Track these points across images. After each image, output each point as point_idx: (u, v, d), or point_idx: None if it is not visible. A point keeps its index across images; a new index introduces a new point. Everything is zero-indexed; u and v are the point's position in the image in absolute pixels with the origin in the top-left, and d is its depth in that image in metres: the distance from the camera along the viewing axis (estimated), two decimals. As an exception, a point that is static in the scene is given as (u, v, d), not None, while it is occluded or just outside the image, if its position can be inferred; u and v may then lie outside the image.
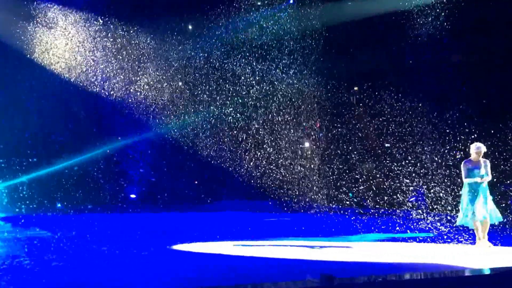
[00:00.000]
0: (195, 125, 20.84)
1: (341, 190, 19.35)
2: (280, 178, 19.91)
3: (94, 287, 6.66)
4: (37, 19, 19.14)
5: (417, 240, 11.97)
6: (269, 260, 9.20)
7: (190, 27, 21.03)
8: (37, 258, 8.83)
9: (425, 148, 17.86)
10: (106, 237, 12.19)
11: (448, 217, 15.06)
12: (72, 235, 12.37)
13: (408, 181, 17.76)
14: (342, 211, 18.59)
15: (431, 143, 17.73)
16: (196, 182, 22.03)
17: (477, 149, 10.34)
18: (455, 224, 11.07)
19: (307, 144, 20.84)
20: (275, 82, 20.14)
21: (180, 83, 20.71)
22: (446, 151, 17.03)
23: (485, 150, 10.52)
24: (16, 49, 19.07)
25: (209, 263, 8.80)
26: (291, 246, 11.01)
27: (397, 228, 14.32)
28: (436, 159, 17.32)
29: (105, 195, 21.14)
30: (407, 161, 17.91)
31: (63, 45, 19.62)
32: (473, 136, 15.11)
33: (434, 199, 16.82)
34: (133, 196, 21.92)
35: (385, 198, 18.41)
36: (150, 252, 9.85)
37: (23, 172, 19.24)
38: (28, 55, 19.22)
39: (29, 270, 7.65)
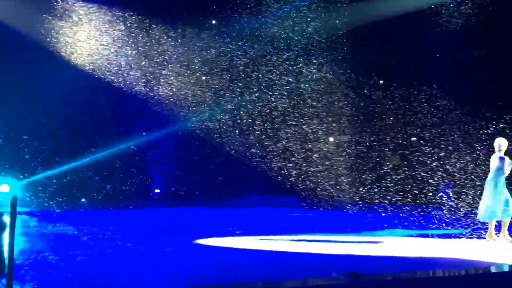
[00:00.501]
0: (219, 120, 20.75)
1: (367, 185, 19.12)
2: (305, 173, 19.73)
3: (118, 282, 6.60)
4: (61, 14, 19.22)
5: (445, 236, 11.75)
6: (295, 256, 9.08)
7: (214, 21, 20.92)
8: (62, 253, 8.83)
9: (453, 144, 17.57)
10: (131, 233, 12.20)
11: (475, 212, 14.78)
12: (96, 230, 12.40)
13: (435, 176, 17.48)
14: (368, 207, 18.37)
15: (458, 138, 17.45)
16: (220, 178, 21.98)
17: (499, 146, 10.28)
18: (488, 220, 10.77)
19: (333, 139, 20.62)
20: (301, 77, 19.94)
21: (204, 78, 20.63)
22: (473, 146, 16.75)
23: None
24: (40, 44, 19.18)
25: (233, 258, 8.70)
26: (317, 242, 10.86)
27: (425, 223, 14.08)
28: (464, 154, 17.03)
29: (129, 190, 21.22)
30: (434, 156, 17.62)
31: (86, 39, 19.69)
32: (500, 131, 14.80)
33: (461, 194, 16.53)
34: (157, 191, 22.00)
35: (412, 193, 18.15)
36: (175, 247, 9.81)
37: (48, 167, 19.41)
38: (52, 50, 19.31)
39: (54, 265, 7.64)
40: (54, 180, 19.39)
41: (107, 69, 19.86)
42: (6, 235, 3.43)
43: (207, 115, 20.68)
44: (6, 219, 3.37)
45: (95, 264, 7.93)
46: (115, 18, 19.60)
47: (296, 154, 20.06)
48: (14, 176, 18.47)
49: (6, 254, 3.46)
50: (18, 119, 19.67)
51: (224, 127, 20.79)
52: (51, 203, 18.63)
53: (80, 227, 12.99)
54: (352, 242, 10.83)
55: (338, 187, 19.54)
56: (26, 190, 18.76)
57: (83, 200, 20.31)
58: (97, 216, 16.51)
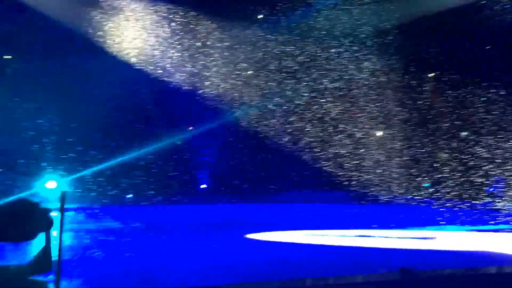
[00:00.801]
0: (267, 113, 20.59)
1: (418, 180, 18.66)
2: (356, 168, 19.39)
3: (166, 278, 6.57)
4: (106, 7, 19.45)
5: (497, 230, 11.36)
6: (345, 251, 8.91)
7: (260, 16, 20.72)
8: (109, 249, 8.90)
9: (504, 137, 17.01)
10: (178, 228, 12.25)
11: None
12: (143, 226, 12.51)
13: (487, 171, 16.95)
14: (419, 202, 17.92)
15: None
16: (268, 173, 21.81)
17: None
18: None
19: (383, 133, 20.15)
20: (350, 70, 19.58)
21: (250, 72, 20.51)
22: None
23: None
24: (87, 37, 19.45)
25: (283, 254, 8.61)
26: (367, 237, 10.63)
27: (477, 218, 13.64)
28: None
29: (176, 186, 21.35)
30: (486, 150, 17.08)
31: (133, 35, 19.86)
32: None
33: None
34: (203, 186, 22.06)
35: (464, 188, 17.61)
36: (225, 242, 9.79)
37: (94, 163, 19.74)
38: (99, 44, 19.57)
39: (101, 261, 7.69)
40: (100, 176, 19.71)
41: (154, 63, 20.01)
42: (54, 231, 3.38)
43: (255, 109, 20.56)
44: (54, 215, 3.33)
45: (143, 260, 7.93)
46: (161, 13, 19.71)
47: (346, 148, 19.72)
48: (61, 173, 18.93)
49: (53, 251, 3.41)
50: (64, 115, 20.09)
51: (272, 121, 20.64)
52: (98, 198, 18.94)
53: (126, 223, 13.13)
54: (403, 237, 10.58)
55: (389, 182, 19.13)
56: (73, 186, 19.15)
57: (129, 196, 20.57)
58: (144, 212, 16.69)
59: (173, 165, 21.49)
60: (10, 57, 21.18)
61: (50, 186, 16.13)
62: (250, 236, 10.60)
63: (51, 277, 3.34)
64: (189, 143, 21.68)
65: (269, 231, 11.35)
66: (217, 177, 22.10)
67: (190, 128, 21.44)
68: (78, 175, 18.99)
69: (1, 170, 18.69)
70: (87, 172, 19.21)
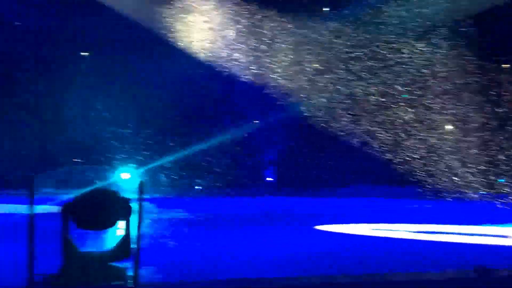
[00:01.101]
0: (332, 107, 20.35)
1: (492, 176, 17.87)
2: (425, 163, 18.81)
3: (236, 268, 6.68)
4: (177, 7, 19.85)
5: None
6: (415, 247, 8.70)
7: (325, 8, 20.50)
8: (181, 238, 9.13)
9: None
10: (247, 219, 12.38)
11: None
12: (212, 217, 12.74)
13: None
14: (494, 197, 17.16)
15: None
16: (334, 167, 21.59)
17: None
18: None
19: (455, 128, 19.42)
20: (419, 62, 18.98)
21: (316, 64, 20.34)
22: None
23: None
24: (158, 36, 19.93)
25: (350, 247, 8.53)
26: (439, 233, 10.33)
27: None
28: None
29: (242, 178, 21.56)
30: None
31: (203, 30, 20.16)
32: None
33: None
34: (270, 179, 22.16)
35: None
36: (295, 233, 9.83)
37: (166, 156, 20.28)
38: (170, 43, 20.01)
39: (173, 250, 7.93)
40: (171, 168, 20.25)
41: (222, 60, 20.24)
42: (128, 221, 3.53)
43: (322, 104, 20.36)
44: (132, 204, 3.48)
45: (213, 249, 8.11)
46: (229, 11, 19.90)
47: (415, 143, 19.17)
48: (134, 165, 19.63)
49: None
50: (137, 110, 20.77)
51: (340, 117, 20.37)
52: (169, 189, 19.48)
53: (196, 213, 13.41)
54: (477, 234, 10.16)
55: (461, 177, 18.42)
56: (145, 177, 19.77)
57: (197, 187, 21.00)
58: (213, 203, 16.97)
59: (240, 158, 21.73)
60: (86, 54, 22.16)
61: (124, 177, 16.80)
62: (320, 227, 10.60)
63: (124, 264, 3.50)
64: (256, 135, 21.81)
65: (338, 223, 11.29)
66: (283, 170, 22.13)
67: (256, 121, 21.55)
68: (149, 167, 19.61)
69: (81, 161, 19.69)
70: (159, 164, 19.79)
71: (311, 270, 6.48)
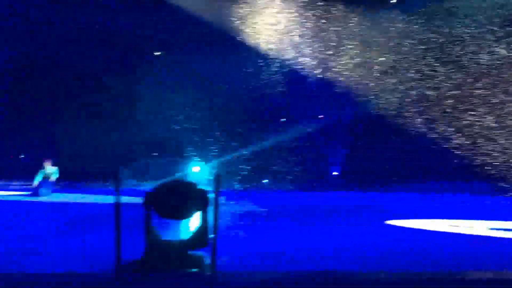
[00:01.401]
0: (402, 100, 19.91)
1: None
2: (506, 159, 18.02)
3: (306, 260, 6.75)
4: (245, 4, 20.07)
5: None
6: (492, 244, 8.40)
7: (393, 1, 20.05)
8: (251, 230, 9.30)
9: None
10: (315, 213, 12.41)
11: None
12: (281, 210, 12.85)
13: None
14: None
15: None
16: (403, 161, 21.10)
17: None
18: None
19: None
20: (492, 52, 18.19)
21: (383, 58, 19.98)
22: None
23: None
24: (227, 33, 20.23)
25: (424, 242, 8.38)
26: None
27: None
28: None
29: (309, 172, 21.56)
30: None
31: (268, 27, 20.27)
32: None
33: None
34: (335, 173, 22.03)
35: None
36: (365, 227, 9.78)
37: (235, 151, 20.63)
38: (238, 39, 20.28)
39: (244, 241, 8.10)
40: (239, 163, 20.56)
41: (290, 55, 20.29)
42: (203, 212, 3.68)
43: (391, 99, 19.98)
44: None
45: (283, 241, 8.22)
46: (297, 7, 19.87)
47: (492, 138, 18.41)
48: (204, 158, 20.11)
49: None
50: (208, 106, 21.24)
51: (412, 110, 19.92)
52: (237, 182, 19.79)
53: (265, 206, 13.57)
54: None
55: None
56: (215, 171, 20.15)
57: (265, 181, 21.19)
58: (280, 197, 17.09)
59: (307, 152, 21.71)
60: (159, 53, 22.88)
61: (195, 170, 17.36)
62: (391, 222, 10.46)
63: (199, 253, 3.65)
64: (322, 129, 21.71)
65: (410, 219, 11.09)
66: (349, 164, 21.90)
67: (321, 116, 21.45)
68: (219, 160, 20.01)
69: (156, 155, 20.46)
70: (228, 158, 20.15)
71: (384, 265, 6.43)
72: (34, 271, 5.19)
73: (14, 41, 21.90)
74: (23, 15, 21.66)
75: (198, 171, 17.79)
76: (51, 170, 17.16)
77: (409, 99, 19.90)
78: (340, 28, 20.11)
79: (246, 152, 20.79)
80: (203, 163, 19.63)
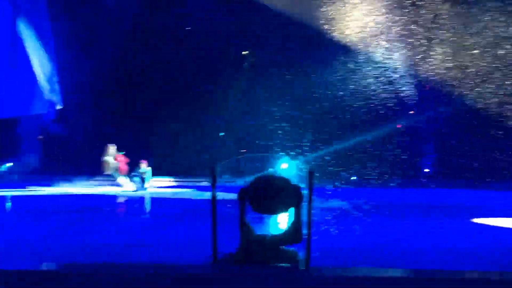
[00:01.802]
0: (502, 101, 18.90)
1: None
2: None
3: (395, 256, 6.63)
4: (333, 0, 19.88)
5: None
6: None
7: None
8: (341, 226, 9.25)
9: None
10: (404, 210, 12.14)
11: None
12: (369, 206, 12.64)
13: None
14: None
15: None
16: (500, 158, 20.04)
17: None
18: None
19: None
20: None
21: (476, 60, 19.02)
22: None
23: None
24: (316, 30, 20.13)
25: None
26: None
27: None
28: None
29: (399, 169, 21.07)
30: None
31: (359, 23, 19.95)
32: None
33: None
34: (427, 170, 21.39)
35: None
36: (452, 225, 9.44)
37: (324, 147, 20.55)
38: (327, 36, 20.13)
39: (335, 236, 8.08)
40: (328, 159, 20.44)
41: (383, 50, 19.87)
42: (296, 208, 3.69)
43: (487, 96, 19.02)
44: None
45: (374, 237, 8.12)
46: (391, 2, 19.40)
47: None
48: (292, 155, 20.19)
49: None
50: (296, 103, 21.32)
51: (499, 106, 18.89)
52: (324, 179, 19.68)
53: (355, 203, 13.43)
54: None
55: None
56: (303, 168, 20.16)
57: (354, 178, 20.93)
58: (370, 193, 16.83)
59: (396, 149, 21.23)
60: (246, 52, 23.25)
61: (283, 167, 17.54)
62: (478, 220, 10.02)
63: (292, 249, 3.67)
64: (412, 127, 21.16)
65: (500, 217, 10.56)
66: (441, 161, 21.17)
67: (411, 112, 20.86)
68: (307, 157, 20.01)
69: (244, 150, 20.84)
70: (317, 155, 20.11)
71: (469, 264, 6.18)
72: (136, 261, 5.49)
73: (115, 51, 23.10)
74: (123, 23, 22.78)
75: (286, 168, 17.92)
76: (145, 169, 18.19)
77: (502, 99, 18.88)
78: (429, 33, 19.40)
79: (335, 149, 20.65)
80: (291, 159, 19.72)
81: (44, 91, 19.13)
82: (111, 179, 18.53)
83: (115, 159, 17.93)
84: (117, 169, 17.96)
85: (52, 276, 3.03)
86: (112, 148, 18.01)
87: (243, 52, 23.07)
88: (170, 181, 21.39)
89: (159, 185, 19.79)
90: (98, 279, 2.94)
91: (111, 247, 7.03)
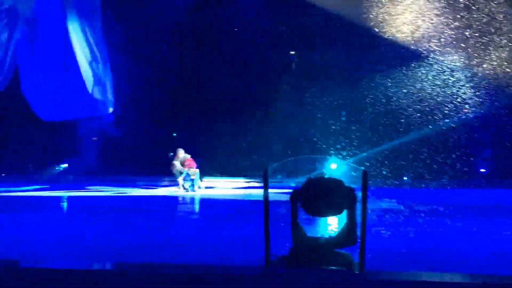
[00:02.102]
0: None
1: None
2: None
3: (453, 260, 6.42)
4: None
5: None
6: None
7: None
8: (393, 228, 9.06)
9: None
10: (459, 211, 11.78)
11: None
12: (423, 207, 12.36)
13: None
14: None
15: None
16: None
17: None
18: None
19: None
20: None
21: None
22: None
23: None
24: (365, 30, 19.87)
25: None
26: None
27: None
28: None
29: (453, 169, 20.53)
30: None
31: (408, 19, 19.53)
32: None
33: None
34: (483, 170, 20.76)
35: None
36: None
37: (373, 147, 20.27)
38: (377, 36, 19.82)
39: (387, 239, 7.90)
40: (378, 159, 20.13)
41: (432, 49, 19.40)
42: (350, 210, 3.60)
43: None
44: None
45: (430, 240, 7.90)
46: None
47: None
48: (341, 156, 20.00)
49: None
50: (345, 103, 21.12)
51: None
52: (376, 179, 19.38)
53: (408, 204, 13.15)
54: None
55: None
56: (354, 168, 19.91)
57: (405, 178, 20.53)
58: (424, 194, 16.47)
59: (451, 148, 20.71)
60: (293, 53, 23.23)
61: (333, 167, 17.40)
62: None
63: (342, 251, 3.59)
64: (468, 126, 20.59)
65: None
66: (496, 161, 20.52)
67: (465, 110, 20.28)
68: (359, 157, 19.77)
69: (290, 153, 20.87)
70: (367, 155, 19.85)
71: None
72: (188, 262, 5.54)
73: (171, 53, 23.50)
74: (173, 24, 23.14)
75: (335, 168, 17.76)
76: (194, 170, 18.44)
77: None
78: (484, 37, 18.75)
79: (386, 149, 20.34)
80: (341, 160, 19.54)
81: (97, 93, 19.59)
82: (172, 181, 18.88)
83: (184, 162, 18.29)
84: (182, 172, 18.29)
85: (113, 276, 3.08)
86: (181, 152, 18.39)
87: (291, 52, 23.05)
88: (221, 181, 21.62)
89: (210, 186, 20.03)
90: (156, 279, 2.97)
91: (164, 247, 7.13)
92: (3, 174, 25.57)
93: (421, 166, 20.14)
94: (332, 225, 4.60)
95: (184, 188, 18.15)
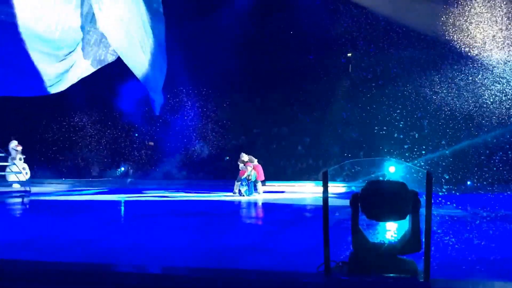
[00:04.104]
0: None
1: None
2: None
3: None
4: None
5: None
6: None
7: None
8: (457, 235, 8.72)
9: None
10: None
11: None
12: (484, 213, 11.89)
13: None
14: None
15: None
16: None
17: None
18: None
19: None
20: None
21: None
22: None
23: None
24: (419, 32, 19.50)
25: None
26: None
27: None
28: None
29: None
30: None
31: (461, 22, 18.98)
32: None
33: None
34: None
35: None
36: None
37: (431, 150, 19.79)
38: (429, 38, 19.40)
39: (451, 246, 7.60)
40: (439, 164, 19.61)
41: (501, 60, 18.77)
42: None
43: None
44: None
45: (495, 248, 7.55)
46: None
47: None
48: (399, 159, 19.59)
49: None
50: (406, 105, 20.73)
51: None
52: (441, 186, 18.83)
53: (469, 210, 12.70)
54: None
55: None
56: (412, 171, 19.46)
57: (469, 183, 19.85)
58: (485, 200, 15.83)
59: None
60: (350, 54, 23.04)
61: (391, 170, 17.11)
62: None
63: (411, 259, 3.43)
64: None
65: None
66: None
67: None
68: (417, 161, 19.32)
69: (349, 155, 20.61)
70: (426, 159, 19.38)
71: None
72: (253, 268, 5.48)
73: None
74: (233, 29, 23.38)
75: (393, 171, 17.41)
76: (250, 173, 18.44)
77: None
78: None
79: (448, 153, 19.80)
80: (399, 163, 19.13)
81: (155, 96, 19.84)
82: (232, 185, 19.01)
83: (247, 167, 18.39)
84: (243, 176, 18.38)
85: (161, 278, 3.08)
86: (245, 156, 18.50)
87: (348, 54, 22.85)
88: (280, 186, 21.62)
89: (269, 190, 20.11)
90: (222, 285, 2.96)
91: (223, 252, 7.13)
92: (67, 179, 26.57)
93: (484, 170, 19.46)
94: (391, 230, 4.40)
95: (240, 194, 18.17)
